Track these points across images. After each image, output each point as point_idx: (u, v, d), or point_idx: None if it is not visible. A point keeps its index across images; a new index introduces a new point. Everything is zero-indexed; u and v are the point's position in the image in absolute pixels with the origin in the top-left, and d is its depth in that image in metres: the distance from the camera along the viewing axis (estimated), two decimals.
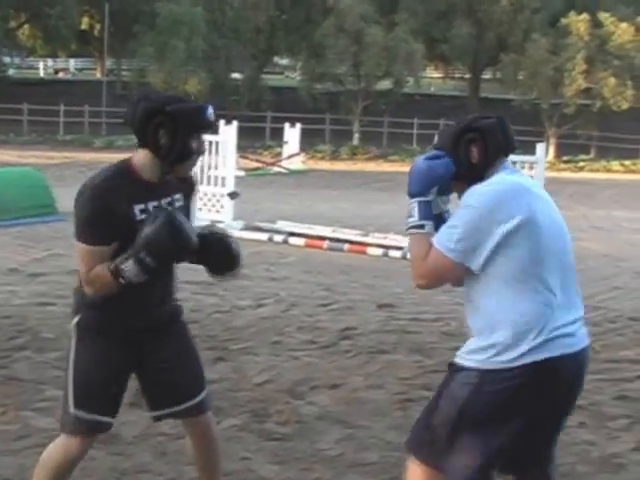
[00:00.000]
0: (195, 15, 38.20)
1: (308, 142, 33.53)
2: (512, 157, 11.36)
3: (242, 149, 20.86)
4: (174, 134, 3.38)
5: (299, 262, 11.61)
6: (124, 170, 3.51)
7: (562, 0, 42.89)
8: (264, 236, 13.17)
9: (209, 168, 14.48)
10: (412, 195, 3.29)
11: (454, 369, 3.27)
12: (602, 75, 39.61)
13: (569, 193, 25.45)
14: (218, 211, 14.29)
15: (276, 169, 28.43)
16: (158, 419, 3.96)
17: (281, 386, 6.21)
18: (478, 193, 3.18)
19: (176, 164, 3.49)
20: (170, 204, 3.58)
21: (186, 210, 3.69)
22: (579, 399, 5.96)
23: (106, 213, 3.39)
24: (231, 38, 41.98)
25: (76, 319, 3.67)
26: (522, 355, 3.11)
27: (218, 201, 14.33)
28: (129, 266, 3.38)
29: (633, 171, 37.97)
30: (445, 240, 3.17)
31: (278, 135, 32.51)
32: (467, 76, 49.77)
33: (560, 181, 28.94)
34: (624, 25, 40.38)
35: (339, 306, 8.98)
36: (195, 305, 8.53)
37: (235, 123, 15.83)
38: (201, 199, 14.28)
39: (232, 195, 14.17)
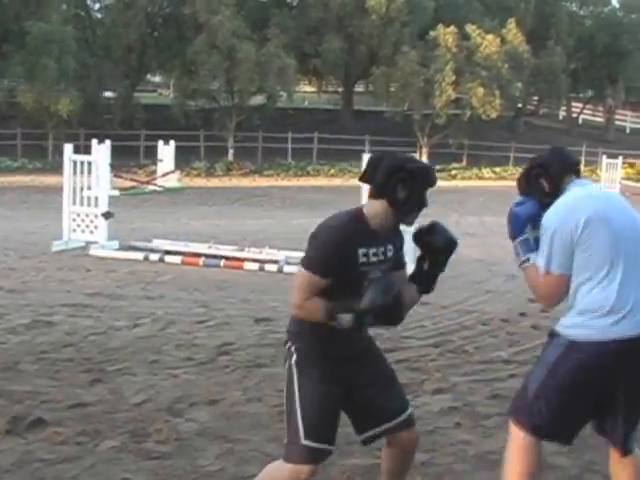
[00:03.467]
0: (65, 34, 37.51)
1: (183, 159, 33.40)
2: None
3: (116, 168, 20.59)
4: (412, 188, 3.84)
5: (175, 280, 11.52)
6: (357, 217, 3.90)
7: (430, 13, 43.71)
8: (140, 255, 13.03)
9: (82, 189, 14.27)
10: (513, 238, 3.99)
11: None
12: (471, 85, 40.53)
13: (442, 201, 25.92)
14: (92, 232, 14.05)
15: (151, 187, 28.20)
16: (371, 440, 4.14)
17: (159, 405, 6.15)
18: (547, 215, 3.85)
19: (408, 214, 3.91)
20: (384, 253, 3.95)
21: (395, 257, 4.05)
22: (453, 401, 6.15)
23: (339, 251, 3.78)
24: (102, 56, 41.43)
25: (293, 348, 4.03)
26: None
27: (92, 221, 14.08)
28: (347, 318, 3.77)
29: (503, 177, 39.00)
30: (542, 262, 3.82)
31: (152, 153, 32.28)
32: (340, 89, 50.26)
33: (434, 190, 29.46)
34: (490, 37, 41.42)
35: (216, 322, 8.94)
36: (70, 328, 8.42)
37: (108, 142, 15.64)
38: (74, 220, 14.07)
39: (106, 215, 13.97)
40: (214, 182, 34.29)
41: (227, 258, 12.76)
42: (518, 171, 39.77)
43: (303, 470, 3.90)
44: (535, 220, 3.92)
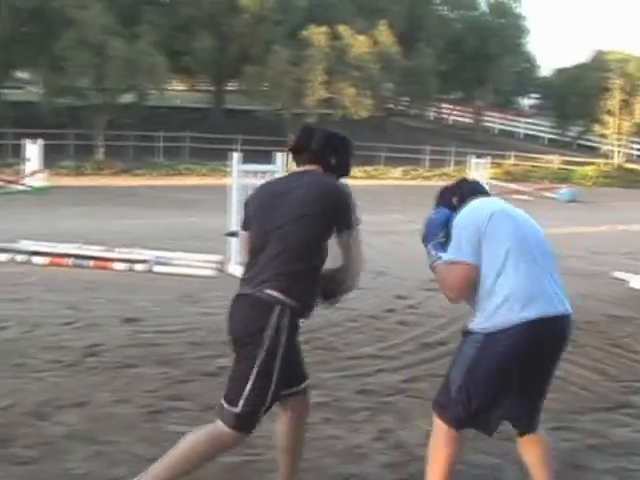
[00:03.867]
0: None
1: (51, 158, 32.64)
2: (254, 167, 11.69)
3: None
4: (344, 155, 4.36)
5: (43, 281, 11.28)
6: None
7: (302, 12, 43.81)
8: (5, 257, 12.69)
9: None
10: (427, 241, 4.37)
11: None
12: (342, 85, 40.89)
13: None
14: None
15: (18, 187, 27.54)
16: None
17: (25, 408, 6.01)
18: (458, 215, 4.22)
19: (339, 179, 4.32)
20: None
21: None
22: (321, 396, 6.24)
23: None
24: None
25: (288, 311, 4.19)
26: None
27: None
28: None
29: (374, 176, 39.53)
30: (451, 253, 4.14)
31: (20, 152, 31.51)
32: (212, 88, 50.00)
33: None
34: (362, 37, 41.85)
35: (84, 323, 8.79)
36: None
37: None
38: None
39: None
40: (84, 181, 33.68)
41: (96, 258, 12.55)
42: (388, 170, 40.73)
43: (242, 439, 4.23)
44: (448, 225, 4.27)
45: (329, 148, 4.29)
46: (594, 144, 56.41)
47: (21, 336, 8.20)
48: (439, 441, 4.21)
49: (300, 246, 4.12)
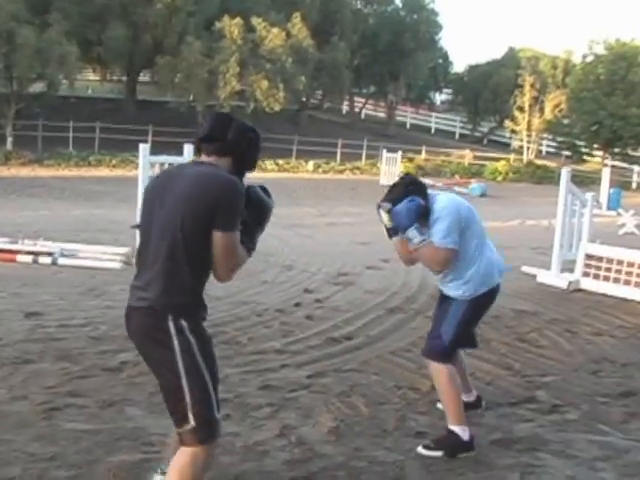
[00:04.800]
0: None
1: None
2: (162, 158, 11.57)
3: None
4: (257, 148, 4.16)
5: None
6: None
7: (216, 4, 43.47)
8: None
9: None
10: (406, 227, 5.28)
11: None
12: (255, 78, 40.73)
13: None
14: None
15: None
16: None
17: None
18: (445, 208, 5.30)
19: (247, 172, 4.18)
20: None
21: None
22: (223, 393, 6.13)
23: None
24: None
25: (184, 320, 3.91)
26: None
27: None
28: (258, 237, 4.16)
29: (286, 169, 39.51)
30: (444, 240, 5.28)
31: None
32: (124, 79, 49.36)
33: None
34: (275, 30, 41.73)
35: None
36: None
37: None
38: None
39: None
40: None
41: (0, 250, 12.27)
42: (300, 164, 40.74)
43: (216, 445, 4.02)
44: (422, 213, 5.27)
45: (245, 140, 4.06)
46: (505, 140, 57.31)
47: None
48: (443, 378, 5.42)
49: (182, 246, 3.86)
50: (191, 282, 3.90)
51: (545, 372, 7.47)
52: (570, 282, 11.94)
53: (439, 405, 5.84)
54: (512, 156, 49.19)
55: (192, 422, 3.85)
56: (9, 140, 38.44)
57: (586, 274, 12.03)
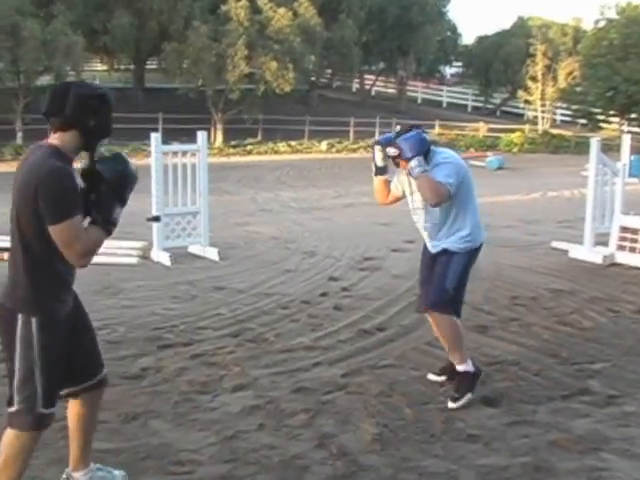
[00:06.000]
0: None
1: None
2: (174, 147, 11.21)
3: None
4: (103, 115, 3.95)
5: None
6: (61, 155, 3.80)
7: None
8: None
9: None
10: (416, 153, 5.61)
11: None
12: (264, 60, 40.16)
13: (237, 178, 25.53)
14: None
15: None
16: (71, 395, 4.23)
17: None
18: (453, 159, 5.83)
19: (98, 142, 4.03)
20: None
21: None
22: (254, 399, 5.66)
23: (76, 187, 3.76)
24: None
25: (32, 314, 3.84)
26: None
27: None
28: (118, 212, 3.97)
29: (298, 151, 38.95)
30: (447, 181, 5.63)
31: None
32: (131, 67, 48.92)
33: (229, 166, 29.06)
34: (282, 10, 41.15)
35: None
36: None
37: None
38: None
39: None
40: (2, 167, 32.58)
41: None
42: (313, 144, 40.24)
43: (36, 436, 3.98)
44: (426, 149, 5.73)
45: (87, 109, 3.83)
46: (518, 111, 56.62)
47: None
48: (452, 327, 5.86)
49: (25, 240, 3.81)
50: (33, 274, 3.81)
51: (594, 358, 7.01)
52: (605, 256, 11.47)
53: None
54: (527, 127, 48.51)
55: (15, 407, 3.92)
56: (19, 135, 38.14)
57: (621, 247, 11.55)
